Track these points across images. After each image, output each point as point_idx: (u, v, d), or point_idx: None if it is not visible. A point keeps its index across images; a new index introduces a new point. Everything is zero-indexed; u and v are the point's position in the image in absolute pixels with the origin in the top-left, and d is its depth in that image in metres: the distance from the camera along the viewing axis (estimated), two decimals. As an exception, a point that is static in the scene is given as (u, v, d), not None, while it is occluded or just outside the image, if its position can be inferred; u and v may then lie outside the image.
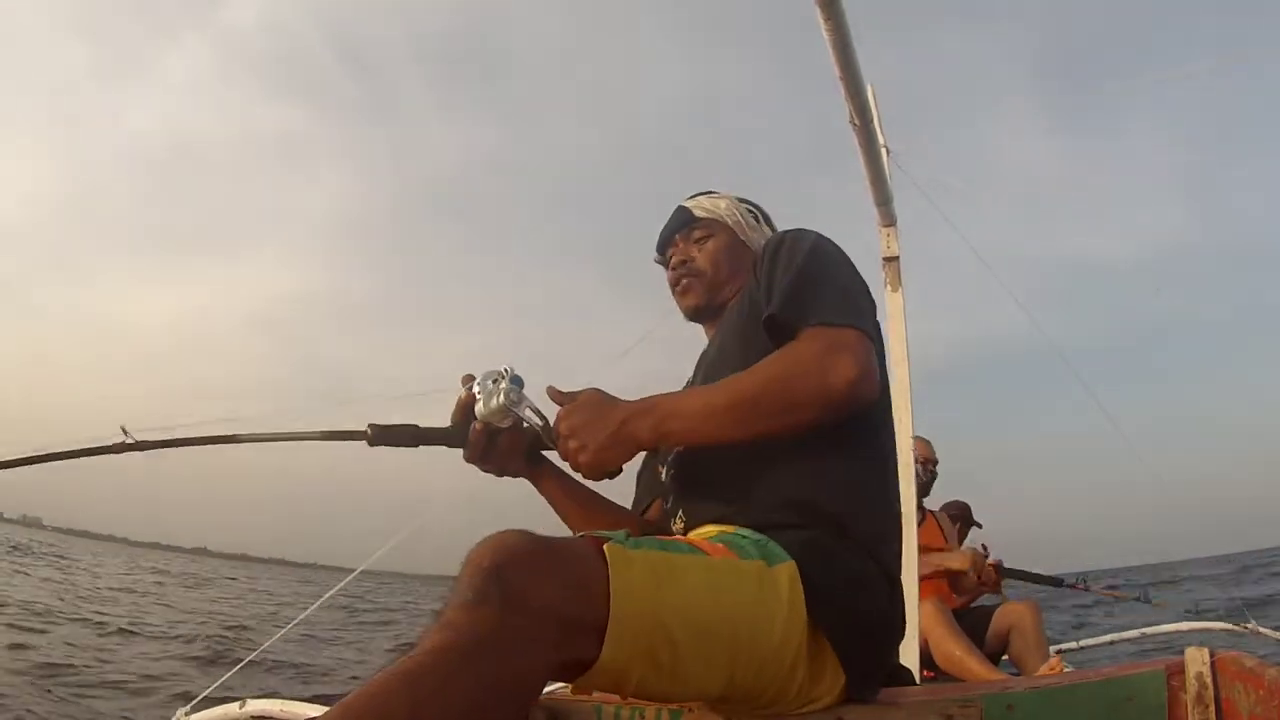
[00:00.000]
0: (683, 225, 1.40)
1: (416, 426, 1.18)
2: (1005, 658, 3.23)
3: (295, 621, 2.20)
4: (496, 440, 1.18)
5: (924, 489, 3.48)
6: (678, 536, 1.02)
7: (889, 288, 2.68)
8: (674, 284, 1.39)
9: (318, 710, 2.00)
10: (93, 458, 1.19)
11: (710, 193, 1.42)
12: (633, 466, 1.46)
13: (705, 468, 1.15)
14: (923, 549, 3.33)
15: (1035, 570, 3.72)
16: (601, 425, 1.04)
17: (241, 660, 2.61)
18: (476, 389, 1.14)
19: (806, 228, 1.23)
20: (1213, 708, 0.91)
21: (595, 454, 1.05)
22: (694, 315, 1.39)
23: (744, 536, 0.98)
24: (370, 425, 1.17)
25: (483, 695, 0.70)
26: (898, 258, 2.68)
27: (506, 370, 1.14)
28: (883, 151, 2.54)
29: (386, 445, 1.17)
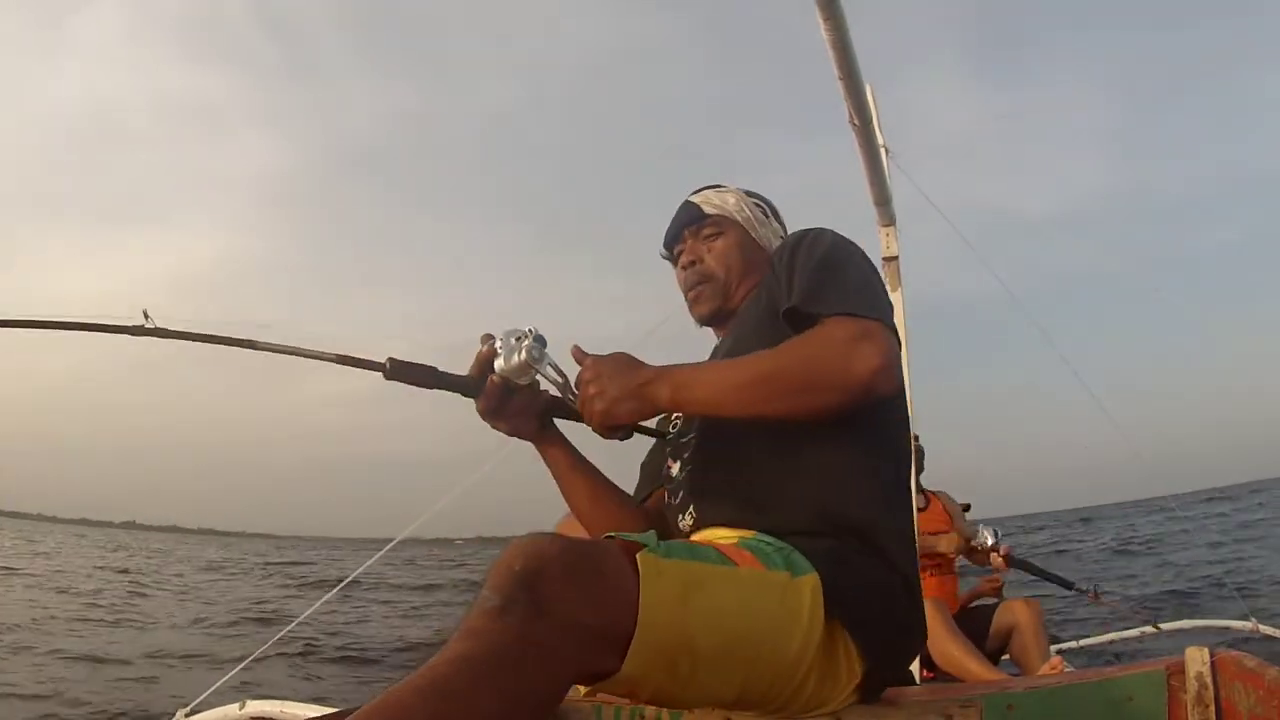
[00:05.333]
0: (691, 221, 1.36)
1: (435, 369, 1.18)
2: (1005, 657, 3.23)
3: (305, 614, 2.18)
4: (511, 398, 1.18)
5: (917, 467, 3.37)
6: (704, 541, 1.00)
7: (888, 288, 2.68)
8: (686, 288, 1.36)
9: (318, 711, 1.99)
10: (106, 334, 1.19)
11: (718, 187, 1.39)
12: (639, 447, 1.44)
13: (722, 467, 1.14)
14: (920, 535, 3.29)
15: (1045, 568, 3.60)
16: (623, 379, 1.06)
17: (243, 659, 2.61)
18: (499, 345, 1.15)
19: (824, 227, 1.22)
20: (1213, 708, 0.91)
21: (611, 404, 1.06)
22: (707, 321, 1.37)
23: (767, 544, 0.97)
24: (389, 358, 1.17)
25: (503, 707, 0.68)
26: (897, 257, 2.68)
27: (530, 330, 1.15)
28: (882, 151, 2.54)
29: (402, 381, 1.18)
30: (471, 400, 1.19)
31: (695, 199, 1.38)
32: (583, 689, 0.90)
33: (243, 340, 1.20)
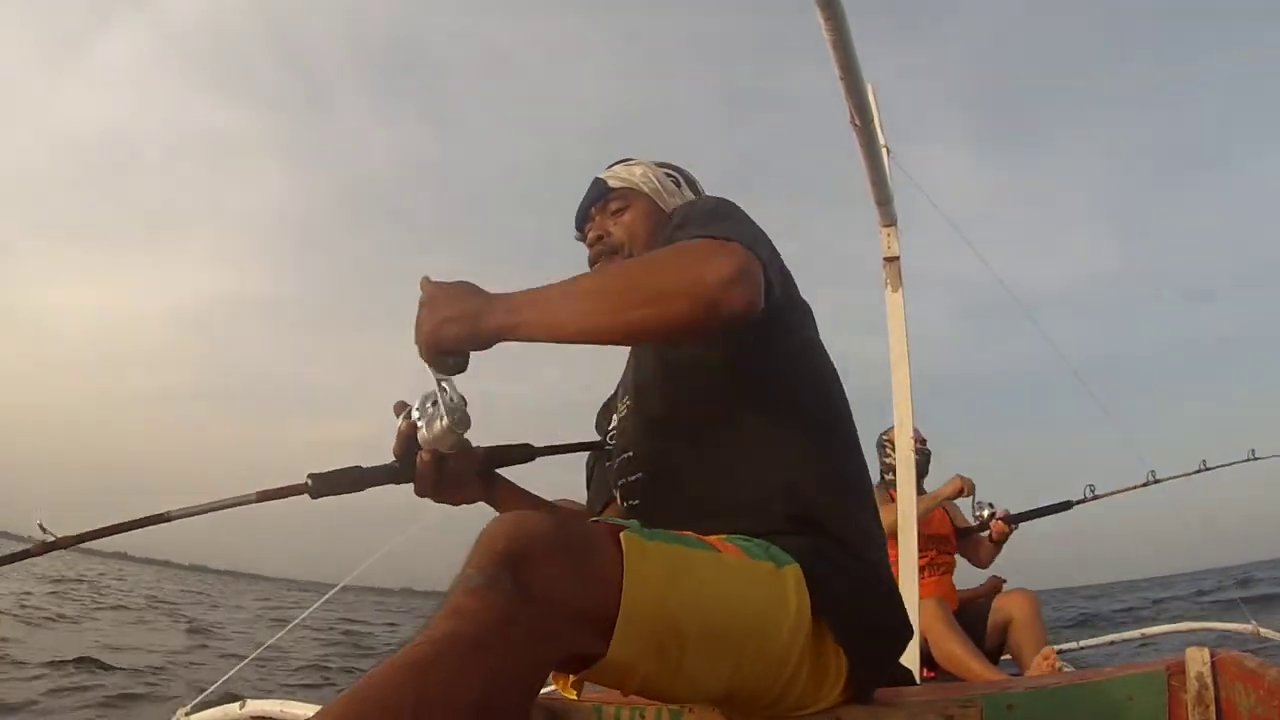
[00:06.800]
0: (599, 197, 1.32)
1: (359, 468, 1.12)
2: (1006, 657, 3.23)
3: (290, 626, 2.20)
4: (445, 466, 1.12)
5: (920, 472, 3.32)
6: (686, 531, 1.00)
7: (889, 288, 2.67)
8: (591, 262, 1.31)
9: (318, 709, 1.99)
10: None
11: (627, 160, 1.35)
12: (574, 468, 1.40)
13: (669, 496, 1.11)
14: (928, 539, 3.30)
15: (1036, 507, 3.55)
16: (454, 302, 0.98)
17: (240, 660, 2.61)
18: (416, 415, 1.07)
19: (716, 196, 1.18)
20: (1213, 708, 0.91)
21: (437, 324, 0.97)
22: None
23: (744, 538, 0.96)
24: (310, 476, 1.11)
25: (489, 687, 0.67)
26: (898, 258, 2.67)
27: (445, 388, 1.06)
28: (883, 152, 2.54)
29: (330, 494, 1.11)
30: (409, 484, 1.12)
31: (603, 175, 1.34)
32: (575, 693, 0.89)
33: (154, 518, 1.14)
